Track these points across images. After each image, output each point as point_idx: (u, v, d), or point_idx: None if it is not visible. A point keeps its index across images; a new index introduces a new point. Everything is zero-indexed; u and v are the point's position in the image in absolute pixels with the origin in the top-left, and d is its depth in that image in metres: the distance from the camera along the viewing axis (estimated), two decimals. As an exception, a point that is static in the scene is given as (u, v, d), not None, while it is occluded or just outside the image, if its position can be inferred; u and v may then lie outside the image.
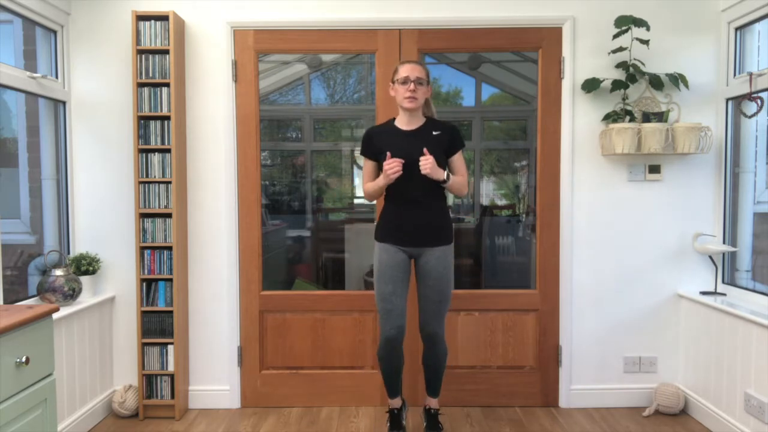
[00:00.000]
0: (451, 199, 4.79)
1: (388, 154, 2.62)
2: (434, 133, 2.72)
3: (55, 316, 2.69)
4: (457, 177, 2.73)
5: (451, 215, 4.62)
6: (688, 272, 3.29)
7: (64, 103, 3.24)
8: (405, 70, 2.67)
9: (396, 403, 2.88)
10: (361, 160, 2.89)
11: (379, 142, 2.75)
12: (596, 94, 3.22)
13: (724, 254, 3.23)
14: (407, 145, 2.67)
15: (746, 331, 2.76)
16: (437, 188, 2.72)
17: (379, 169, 2.77)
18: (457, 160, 2.77)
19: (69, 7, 3.24)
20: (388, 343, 2.69)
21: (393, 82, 2.73)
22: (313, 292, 3.65)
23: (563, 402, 3.35)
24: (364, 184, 2.86)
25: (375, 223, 2.88)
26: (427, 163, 2.58)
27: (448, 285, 2.74)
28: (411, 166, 2.62)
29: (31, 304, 2.08)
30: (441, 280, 2.71)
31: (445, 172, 2.66)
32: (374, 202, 3.25)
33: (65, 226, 3.28)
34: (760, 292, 2.98)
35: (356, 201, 4.82)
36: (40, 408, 1.94)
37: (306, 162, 4.89)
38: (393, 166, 2.59)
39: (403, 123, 2.76)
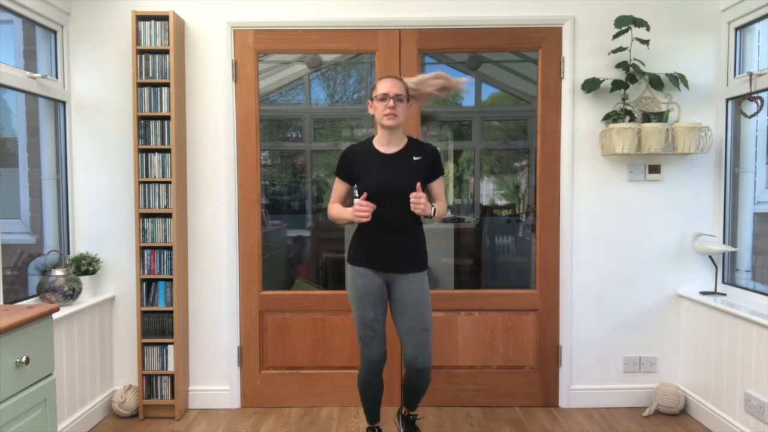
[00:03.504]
0: (451, 199, 4.79)
1: (365, 194, 2.52)
2: (415, 158, 2.59)
3: (55, 316, 2.69)
4: (440, 209, 2.61)
5: (451, 215, 4.65)
6: (688, 272, 3.29)
7: (64, 103, 3.24)
8: (383, 86, 2.53)
9: (376, 423, 2.82)
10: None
11: (358, 164, 2.62)
12: (596, 94, 3.22)
13: (724, 254, 3.23)
14: (386, 170, 2.56)
15: (746, 331, 2.76)
16: (414, 214, 2.58)
17: (351, 194, 2.68)
18: (437, 185, 2.67)
19: (69, 7, 3.24)
20: (372, 367, 2.62)
21: (371, 99, 2.58)
22: (313, 292, 3.64)
23: (563, 402, 3.35)
24: (331, 203, 2.73)
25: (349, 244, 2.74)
26: (419, 205, 2.46)
27: (428, 311, 2.61)
28: (388, 193, 2.52)
29: (31, 304, 2.09)
30: (420, 305, 2.57)
31: (432, 208, 2.54)
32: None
33: (65, 226, 3.29)
34: (760, 292, 2.98)
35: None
36: (40, 408, 1.95)
37: (306, 162, 4.88)
38: (363, 211, 2.47)
39: (382, 144, 2.61)
